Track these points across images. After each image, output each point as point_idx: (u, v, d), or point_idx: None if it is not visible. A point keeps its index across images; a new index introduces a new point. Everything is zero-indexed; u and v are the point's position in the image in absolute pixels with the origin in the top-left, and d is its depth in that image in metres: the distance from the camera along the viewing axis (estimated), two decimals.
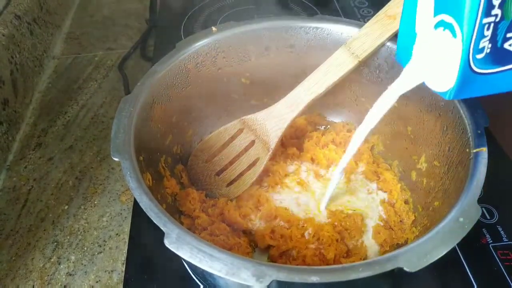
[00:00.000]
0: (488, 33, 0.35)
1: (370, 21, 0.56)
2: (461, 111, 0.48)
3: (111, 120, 0.73)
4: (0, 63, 0.71)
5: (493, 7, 0.33)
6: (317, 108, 0.67)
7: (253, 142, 0.60)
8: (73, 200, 0.64)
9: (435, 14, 0.38)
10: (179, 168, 0.61)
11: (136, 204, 0.51)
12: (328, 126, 0.69)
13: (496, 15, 0.34)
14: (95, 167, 0.69)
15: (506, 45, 0.36)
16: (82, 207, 0.64)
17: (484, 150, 0.44)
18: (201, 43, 0.58)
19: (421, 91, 0.52)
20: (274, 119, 0.58)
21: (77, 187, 0.66)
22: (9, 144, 0.72)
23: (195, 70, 0.59)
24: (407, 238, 0.54)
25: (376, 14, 0.56)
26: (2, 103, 0.70)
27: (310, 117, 0.68)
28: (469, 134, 0.46)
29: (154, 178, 0.49)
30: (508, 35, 0.35)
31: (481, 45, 0.35)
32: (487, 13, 0.34)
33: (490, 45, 0.35)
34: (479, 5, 0.33)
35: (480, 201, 0.40)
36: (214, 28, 0.59)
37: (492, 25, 0.34)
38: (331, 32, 0.60)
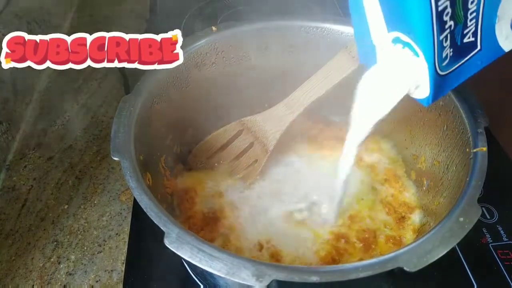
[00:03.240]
0: (447, 43, 0.35)
1: None
2: (461, 111, 0.48)
3: (111, 120, 0.72)
4: None
5: (445, 22, 0.34)
6: (318, 107, 0.67)
7: (252, 144, 0.60)
8: (73, 199, 0.64)
9: (389, 30, 0.38)
10: (179, 168, 0.61)
11: (136, 203, 0.51)
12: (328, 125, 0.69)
13: (450, 26, 0.35)
14: (95, 167, 0.69)
15: (465, 40, 0.37)
16: (82, 206, 0.63)
17: (484, 150, 0.44)
18: (201, 43, 0.58)
19: None
20: (274, 121, 0.58)
21: (77, 186, 0.66)
22: (8, 143, 0.72)
23: (195, 70, 0.58)
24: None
25: None
26: (2, 102, 0.70)
27: (310, 116, 0.68)
28: (469, 134, 0.46)
29: (154, 178, 0.49)
30: (465, 31, 0.36)
31: (444, 55, 0.36)
32: (441, 30, 0.34)
33: (451, 49, 0.36)
34: (433, 28, 0.34)
35: (480, 200, 0.40)
36: (214, 28, 0.59)
37: (449, 35, 0.35)
38: (331, 32, 0.60)
